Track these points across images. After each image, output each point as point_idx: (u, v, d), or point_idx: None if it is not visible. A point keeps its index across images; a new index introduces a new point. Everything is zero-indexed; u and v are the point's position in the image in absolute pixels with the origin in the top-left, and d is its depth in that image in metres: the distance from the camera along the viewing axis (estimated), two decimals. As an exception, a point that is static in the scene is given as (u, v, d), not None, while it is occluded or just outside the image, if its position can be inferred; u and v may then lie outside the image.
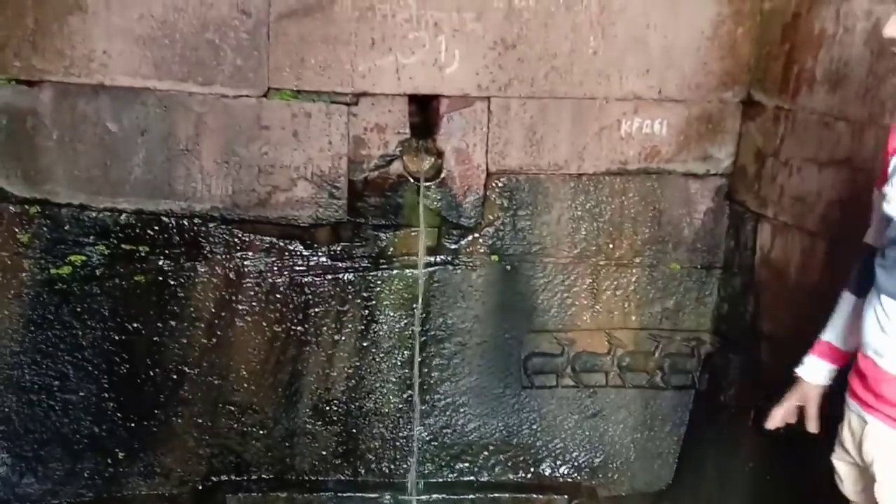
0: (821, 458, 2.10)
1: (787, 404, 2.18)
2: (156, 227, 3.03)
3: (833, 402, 2.05)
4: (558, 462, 3.38)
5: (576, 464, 3.39)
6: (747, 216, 3.13)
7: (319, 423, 3.26)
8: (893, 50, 1.72)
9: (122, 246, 3.03)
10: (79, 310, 3.05)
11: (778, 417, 2.19)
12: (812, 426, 2.15)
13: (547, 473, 3.36)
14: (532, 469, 3.37)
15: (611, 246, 3.24)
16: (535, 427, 3.37)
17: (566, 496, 3.23)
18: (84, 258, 3.02)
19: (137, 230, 3.03)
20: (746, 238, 3.14)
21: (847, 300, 2.03)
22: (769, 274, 3.01)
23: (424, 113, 3.14)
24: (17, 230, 2.98)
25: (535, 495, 3.24)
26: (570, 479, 3.36)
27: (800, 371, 2.14)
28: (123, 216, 3.01)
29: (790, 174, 2.88)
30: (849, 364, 2.01)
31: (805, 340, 2.72)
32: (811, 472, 2.54)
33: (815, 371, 2.12)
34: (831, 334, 2.07)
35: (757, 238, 3.07)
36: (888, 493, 1.87)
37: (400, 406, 3.29)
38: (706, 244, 3.28)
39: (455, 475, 3.33)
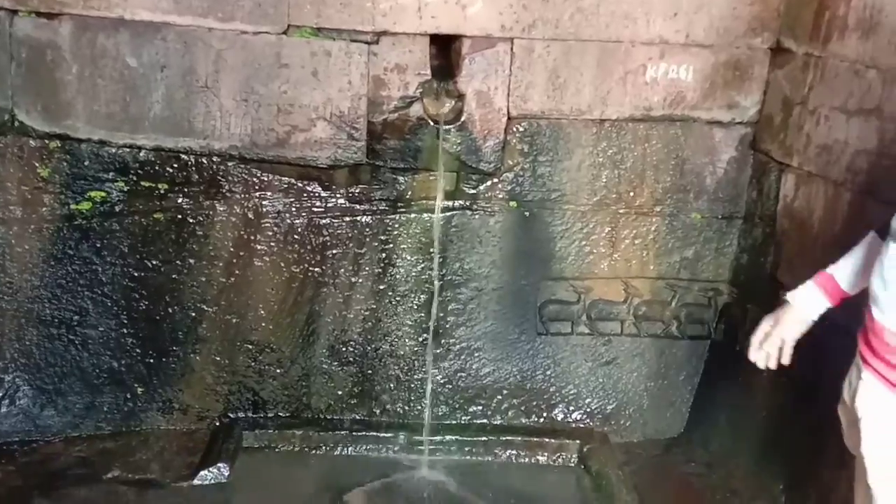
0: (834, 409, 2.10)
1: (770, 330, 2.06)
2: (175, 165, 3.03)
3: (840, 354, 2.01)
4: (571, 408, 3.40)
5: (588, 410, 3.41)
6: (771, 166, 3.09)
7: (336, 363, 3.29)
8: None
9: (142, 183, 3.03)
10: (98, 245, 3.07)
11: (757, 344, 2.09)
12: (786, 358, 2.07)
13: (560, 419, 3.39)
14: (545, 414, 3.39)
15: (631, 194, 3.21)
16: (549, 373, 3.38)
17: (578, 441, 3.25)
18: (104, 194, 3.02)
19: (156, 167, 3.02)
20: (769, 188, 3.10)
21: (869, 241, 1.94)
22: (791, 224, 2.98)
23: (446, 54, 3.09)
24: (37, 164, 2.98)
25: (547, 439, 3.26)
26: (582, 425, 3.38)
27: (791, 296, 2.05)
28: (143, 153, 3.00)
29: (817, 123, 2.83)
30: (841, 306, 1.97)
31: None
32: (823, 422, 2.55)
33: (807, 300, 2.02)
34: (838, 270, 1.99)
35: (780, 188, 3.03)
36: (872, 450, 1.85)
37: (415, 349, 3.31)
38: (728, 194, 3.25)
39: (468, 418, 3.36)
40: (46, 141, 2.96)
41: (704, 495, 3.04)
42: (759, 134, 3.16)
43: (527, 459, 3.23)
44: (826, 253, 2.69)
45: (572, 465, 3.23)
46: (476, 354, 3.34)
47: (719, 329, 3.37)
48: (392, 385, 3.33)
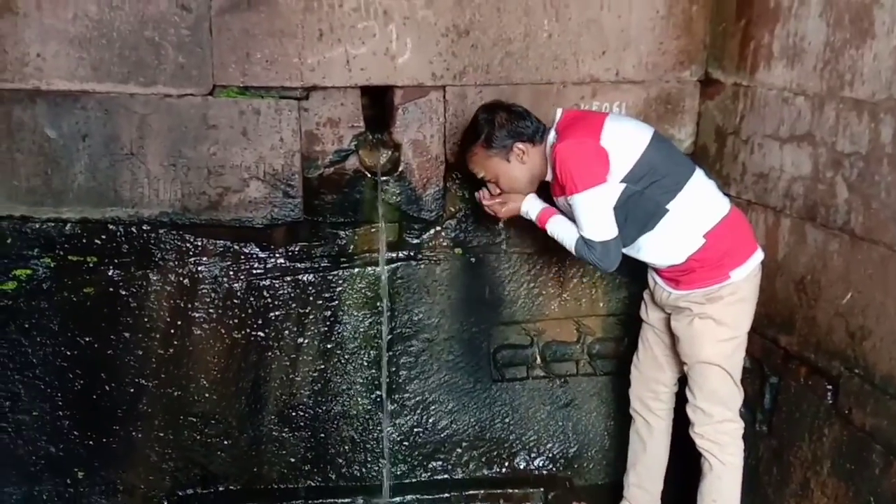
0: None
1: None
2: (103, 236, 2.91)
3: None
4: (533, 455, 3.34)
5: (550, 455, 3.35)
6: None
7: (286, 429, 3.17)
8: None
9: (69, 257, 2.90)
10: (27, 326, 2.92)
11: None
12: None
13: (522, 467, 3.32)
14: (507, 463, 3.32)
15: (576, 232, 3.17)
16: (507, 420, 3.31)
17: (542, 489, 3.18)
18: (29, 272, 2.89)
19: (84, 240, 2.90)
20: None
21: None
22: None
23: (379, 105, 3.05)
24: (-46, 247, 2.83)
25: (510, 490, 3.19)
26: (545, 472, 3.32)
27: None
28: (68, 226, 2.88)
29: (751, 152, 2.84)
30: None
31: (772, 314, 2.71)
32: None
33: None
34: None
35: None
36: None
37: (368, 407, 3.21)
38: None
39: (429, 474, 3.27)
40: (-36, 222, 2.83)
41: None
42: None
43: (491, 513, 3.15)
44: (770, 279, 2.71)
45: (538, 513, 3.16)
46: (432, 408, 3.26)
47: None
48: (347, 447, 3.23)
